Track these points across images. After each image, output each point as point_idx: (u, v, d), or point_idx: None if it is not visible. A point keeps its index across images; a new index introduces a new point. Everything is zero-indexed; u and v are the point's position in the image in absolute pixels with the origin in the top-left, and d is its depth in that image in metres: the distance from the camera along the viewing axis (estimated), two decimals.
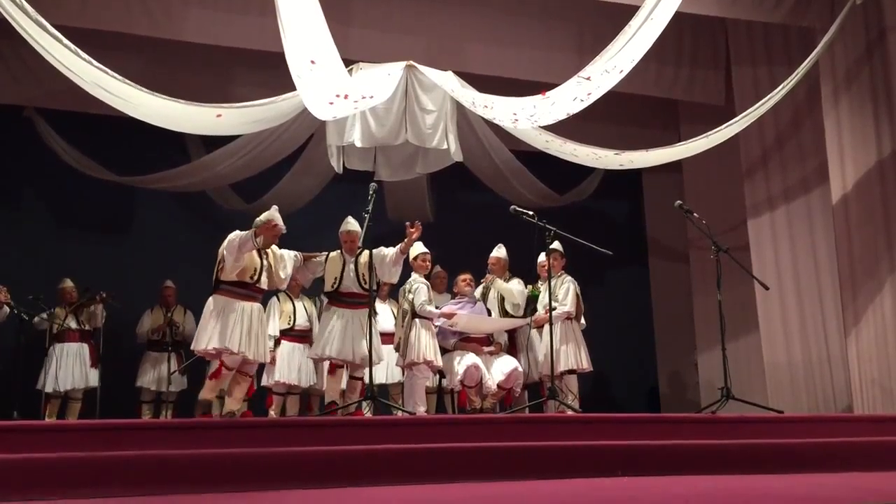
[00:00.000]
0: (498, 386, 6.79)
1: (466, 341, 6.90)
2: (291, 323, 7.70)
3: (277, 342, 7.59)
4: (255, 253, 6.01)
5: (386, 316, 7.85)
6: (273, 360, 7.46)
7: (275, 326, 7.55)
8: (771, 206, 8.41)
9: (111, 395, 8.16)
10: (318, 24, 6.06)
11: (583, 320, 7.26)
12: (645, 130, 9.32)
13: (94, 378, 8.12)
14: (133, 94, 6.08)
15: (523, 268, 7.52)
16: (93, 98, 6.21)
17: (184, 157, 8.85)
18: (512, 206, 6.64)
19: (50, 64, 5.87)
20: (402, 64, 7.16)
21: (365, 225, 6.08)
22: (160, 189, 8.82)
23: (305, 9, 6.00)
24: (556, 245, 7.05)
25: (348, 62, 6.73)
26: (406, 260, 6.71)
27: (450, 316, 6.78)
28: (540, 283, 7.37)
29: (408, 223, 6.53)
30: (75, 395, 8.13)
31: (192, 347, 6.14)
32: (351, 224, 6.66)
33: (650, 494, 4.01)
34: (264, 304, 6.57)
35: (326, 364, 6.83)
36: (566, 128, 7.26)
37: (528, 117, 6.89)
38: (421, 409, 6.66)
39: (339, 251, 6.68)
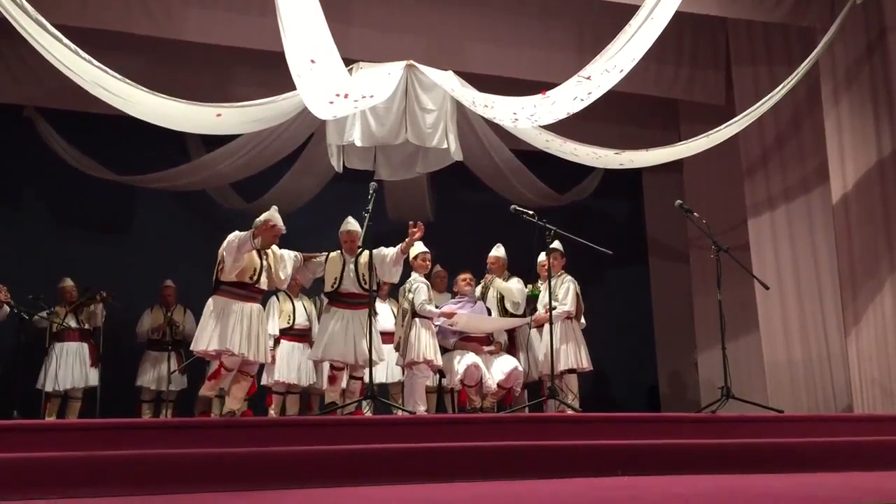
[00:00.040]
0: (498, 385, 6.79)
1: (466, 341, 6.90)
2: (291, 322, 7.70)
3: (277, 341, 7.59)
4: (254, 253, 6.00)
5: (386, 315, 7.85)
6: (273, 360, 7.46)
7: (274, 326, 7.54)
8: (771, 205, 8.41)
9: (111, 394, 8.16)
10: (318, 23, 6.06)
11: (583, 320, 7.26)
12: (645, 130, 9.32)
13: (93, 377, 8.12)
14: (133, 94, 6.07)
15: (523, 267, 7.52)
16: (93, 97, 6.20)
17: (184, 156, 8.85)
18: (512, 206, 6.64)
19: (50, 63, 5.87)
20: (403, 63, 7.16)
21: (365, 224, 6.08)
22: (160, 188, 8.82)
23: (305, 8, 6.00)
24: (556, 244, 7.06)
25: (348, 61, 6.73)
26: (406, 259, 6.71)
27: (450, 315, 6.78)
28: (540, 282, 7.37)
29: (411, 223, 6.53)
30: (75, 395, 8.13)
31: (191, 348, 6.13)
32: (351, 224, 6.66)
33: (650, 494, 4.01)
34: (264, 303, 6.57)
35: (326, 365, 6.84)
36: (566, 127, 7.26)
37: (528, 117, 6.89)
38: (421, 409, 6.66)
39: (339, 251, 6.68)
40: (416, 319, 6.70)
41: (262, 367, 7.04)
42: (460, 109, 7.61)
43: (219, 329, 5.82)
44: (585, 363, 7.05)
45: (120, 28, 7.24)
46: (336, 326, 6.46)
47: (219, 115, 6.61)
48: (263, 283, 6.08)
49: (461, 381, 6.72)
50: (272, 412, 7.51)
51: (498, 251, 7.46)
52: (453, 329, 6.83)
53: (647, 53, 6.81)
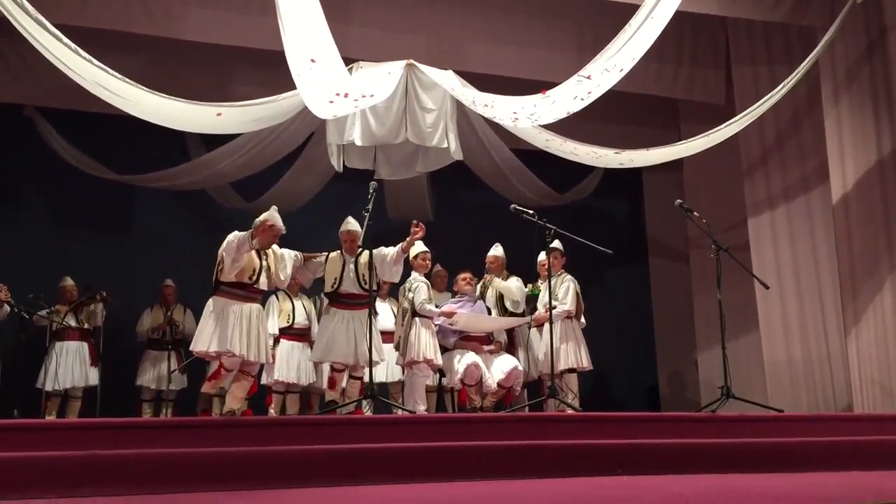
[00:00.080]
0: (498, 385, 6.79)
1: (466, 340, 6.91)
2: (290, 321, 7.70)
3: (276, 341, 7.59)
4: (253, 254, 6.00)
5: (386, 315, 7.85)
6: (273, 359, 7.46)
7: (274, 325, 7.54)
8: (771, 205, 8.41)
9: (111, 393, 8.16)
10: (319, 22, 6.06)
11: (583, 319, 7.26)
12: (645, 129, 9.31)
13: (93, 376, 8.12)
14: (133, 93, 6.08)
15: (523, 267, 7.53)
16: (93, 97, 6.20)
17: (184, 155, 8.85)
18: (512, 205, 6.64)
19: (50, 62, 5.87)
20: (403, 63, 7.16)
21: (365, 224, 6.08)
22: (160, 187, 8.82)
23: (305, 7, 6.00)
24: (556, 244, 7.06)
25: (348, 61, 6.72)
26: (406, 259, 6.71)
27: (450, 315, 6.78)
28: (540, 281, 7.37)
29: (414, 222, 6.53)
30: (75, 394, 8.13)
31: (191, 348, 6.14)
32: (351, 224, 6.66)
33: (650, 493, 4.02)
34: (263, 302, 6.57)
35: (326, 366, 6.85)
36: (566, 126, 7.25)
37: (528, 116, 6.89)
38: (421, 408, 6.66)
39: (339, 251, 6.68)
40: (416, 319, 6.70)
41: (261, 366, 7.04)
42: (460, 109, 7.61)
43: (218, 330, 5.82)
44: (585, 362, 7.05)
45: (120, 27, 7.24)
46: (336, 328, 6.47)
47: (219, 114, 6.61)
48: (263, 284, 6.08)
49: (461, 380, 6.73)
50: (272, 411, 7.51)
51: (496, 251, 7.47)
52: (453, 328, 6.83)
53: (647, 53, 6.81)
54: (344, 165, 7.84)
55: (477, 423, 5.38)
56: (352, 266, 6.58)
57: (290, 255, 6.39)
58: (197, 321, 6.23)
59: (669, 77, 8.75)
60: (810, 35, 7.97)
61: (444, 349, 6.86)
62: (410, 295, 6.76)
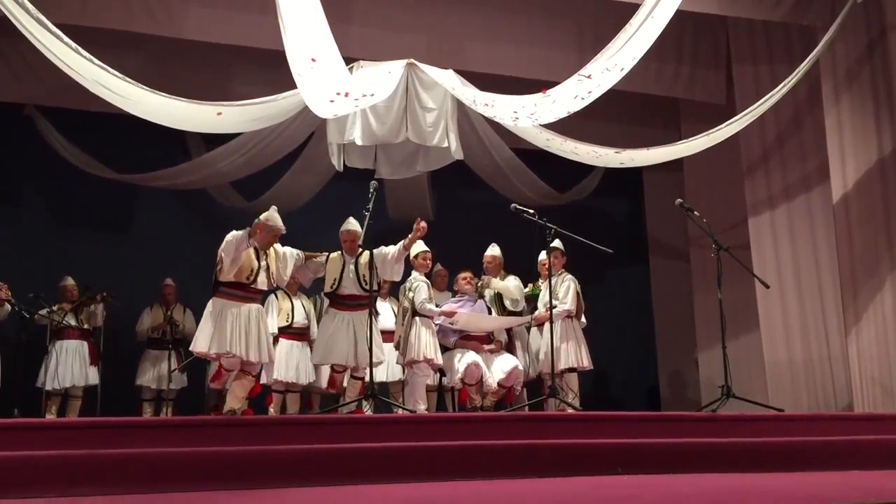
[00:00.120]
0: (498, 384, 6.79)
1: (467, 339, 6.91)
2: (290, 321, 7.69)
3: (275, 340, 7.58)
4: (252, 253, 5.99)
5: (386, 314, 7.85)
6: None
7: (273, 324, 7.54)
8: (771, 204, 8.40)
9: (112, 393, 8.16)
10: (319, 22, 6.05)
11: (583, 318, 7.26)
12: (645, 129, 9.30)
13: (93, 376, 8.13)
14: (133, 92, 6.07)
15: (524, 266, 7.53)
16: (93, 96, 6.20)
17: (184, 154, 8.85)
18: (513, 205, 6.64)
19: (50, 61, 5.87)
20: (403, 62, 7.16)
21: (365, 223, 6.08)
22: (161, 187, 8.82)
23: (306, 7, 5.99)
24: (556, 243, 7.06)
25: (349, 60, 6.72)
26: (406, 258, 6.71)
27: (450, 314, 6.78)
28: (540, 281, 7.37)
29: (417, 219, 6.52)
30: (75, 393, 8.13)
31: (190, 348, 6.14)
32: (351, 224, 6.66)
33: (650, 492, 4.02)
34: (263, 302, 6.57)
35: (327, 367, 6.85)
36: (567, 126, 7.25)
37: (528, 115, 6.89)
38: (421, 407, 6.66)
39: (339, 252, 6.68)
40: (417, 318, 6.70)
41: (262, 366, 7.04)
42: (461, 108, 7.60)
43: (216, 331, 5.82)
44: (586, 362, 7.05)
45: (120, 27, 7.24)
46: (336, 329, 6.47)
47: (219, 113, 6.60)
48: (261, 284, 6.07)
49: (461, 379, 6.72)
50: (272, 411, 7.51)
51: (493, 250, 7.48)
52: (454, 328, 6.83)
53: (647, 52, 6.80)
54: (344, 165, 7.83)
55: (477, 422, 5.39)
56: (352, 266, 6.58)
57: (291, 254, 6.39)
58: (197, 321, 6.23)
59: (670, 76, 8.75)
60: (811, 34, 7.97)
61: (445, 348, 6.86)
62: (411, 294, 6.76)
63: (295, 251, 6.45)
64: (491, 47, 8.14)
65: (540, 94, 6.82)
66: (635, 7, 6.79)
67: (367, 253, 6.40)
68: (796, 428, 5.74)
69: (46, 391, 7.97)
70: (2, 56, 7.63)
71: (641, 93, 8.63)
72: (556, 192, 9.38)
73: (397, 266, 6.58)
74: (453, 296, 7.37)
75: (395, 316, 7.44)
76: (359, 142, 7.29)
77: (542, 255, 7.12)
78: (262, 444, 4.58)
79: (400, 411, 6.56)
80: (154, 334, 8.56)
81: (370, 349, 6.17)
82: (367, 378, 6.18)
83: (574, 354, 6.98)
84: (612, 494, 4.00)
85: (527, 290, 7.55)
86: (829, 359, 7.96)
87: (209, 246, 6.24)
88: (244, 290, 5.97)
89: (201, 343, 5.87)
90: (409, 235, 6.49)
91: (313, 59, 6.04)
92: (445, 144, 7.35)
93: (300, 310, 7.77)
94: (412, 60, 7.19)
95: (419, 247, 6.87)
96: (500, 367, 6.82)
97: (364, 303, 6.53)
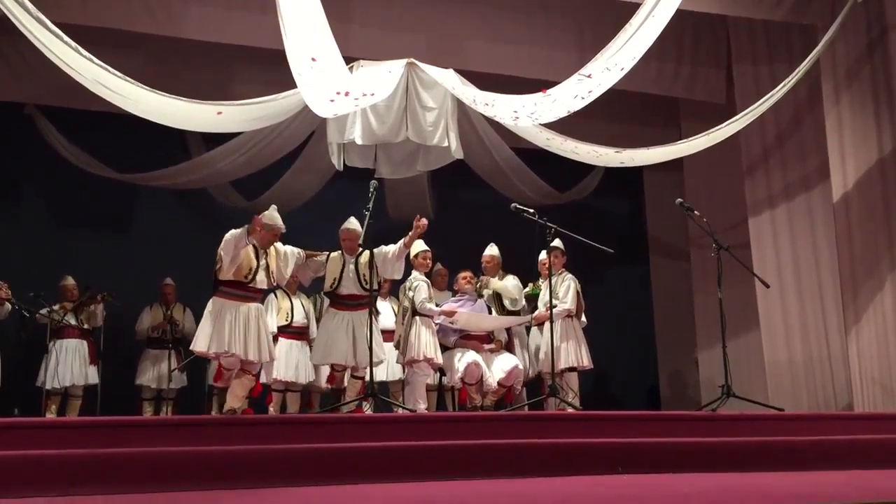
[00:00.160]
0: (498, 383, 6.79)
1: (467, 339, 6.91)
2: (289, 320, 7.68)
3: (275, 339, 7.57)
4: (251, 252, 5.98)
5: (387, 313, 7.85)
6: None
7: (272, 323, 7.54)
8: (772, 204, 8.40)
9: (112, 392, 8.17)
10: (319, 21, 6.05)
11: (583, 318, 7.26)
12: (646, 128, 9.30)
13: (92, 375, 8.13)
14: (134, 92, 6.07)
15: (524, 266, 7.53)
16: (93, 95, 6.20)
17: (184, 154, 8.84)
18: (513, 204, 6.64)
19: (50, 61, 5.86)
20: (403, 61, 7.15)
21: (366, 223, 6.08)
22: (161, 186, 8.82)
23: (306, 6, 5.99)
24: (556, 243, 7.06)
25: (349, 60, 6.72)
26: (406, 258, 6.71)
27: (450, 314, 6.78)
28: (541, 280, 7.37)
29: (417, 216, 6.52)
30: (75, 392, 8.13)
31: (190, 347, 6.14)
32: (351, 223, 6.65)
33: (650, 492, 4.02)
34: (263, 300, 6.57)
35: (326, 367, 6.85)
36: (567, 125, 7.25)
37: (528, 115, 6.88)
38: (421, 407, 6.66)
39: (339, 251, 6.68)
40: (417, 318, 6.70)
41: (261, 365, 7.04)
42: (461, 107, 7.60)
43: (215, 331, 5.81)
44: (586, 361, 7.05)
45: (121, 26, 7.23)
46: (336, 329, 6.47)
47: (219, 112, 6.60)
48: (260, 283, 6.05)
49: (462, 379, 6.72)
50: (272, 410, 7.51)
51: (492, 250, 7.49)
52: (454, 327, 6.83)
53: (647, 52, 6.80)
54: (344, 164, 7.83)
55: (477, 421, 5.39)
56: (352, 266, 6.57)
57: (292, 253, 6.38)
58: (197, 320, 6.23)
59: (670, 76, 8.75)
60: (811, 34, 7.97)
61: (445, 348, 6.86)
62: (411, 294, 6.76)
63: (296, 250, 6.45)
64: (491, 47, 8.14)
65: (540, 94, 6.82)
66: (636, 6, 6.78)
67: (367, 252, 6.40)
68: (796, 427, 5.74)
69: (46, 390, 7.97)
70: (2, 55, 7.62)
71: (641, 92, 8.62)
72: (557, 191, 9.38)
73: (398, 264, 6.58)
74: (453, 295, 7.37)
75: (396, 315, 7.44)
76: (359, 141, 7.29)
77: (543, 255, 7.12)
78: (262, 444, 4.58)
79: (400, 411, 6.56)
80: (154, 334, 8.56)
81: (370, 348, 6.17)
82: (368, 377, 6.18)
83: (574, 354, 6.99)
84: (612, 494, 4.00)
85: (527, 289, 7.55)
86: (829, 358, 7.96)
87: (209, 245, 6.23)
88: (243, 289, 5.96)
89: (201, 342, 5.87)
90: (410, 233, 6.49)
91: (313, 59, 6.04)
92: (445, 144, 7.35)
93: (299, 309, 7.77)
94: (412, 60, 7.19)
95: (419, 246, 6.87)
96: (500, 367, 6.82)
97: (364, 302, 6.53)
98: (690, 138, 7.75)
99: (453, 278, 7.51)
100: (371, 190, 6.31)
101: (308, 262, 6.63)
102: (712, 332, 7.92)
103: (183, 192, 9.12)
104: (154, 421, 6.58)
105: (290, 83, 6.22)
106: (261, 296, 6.22)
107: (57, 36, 5.54)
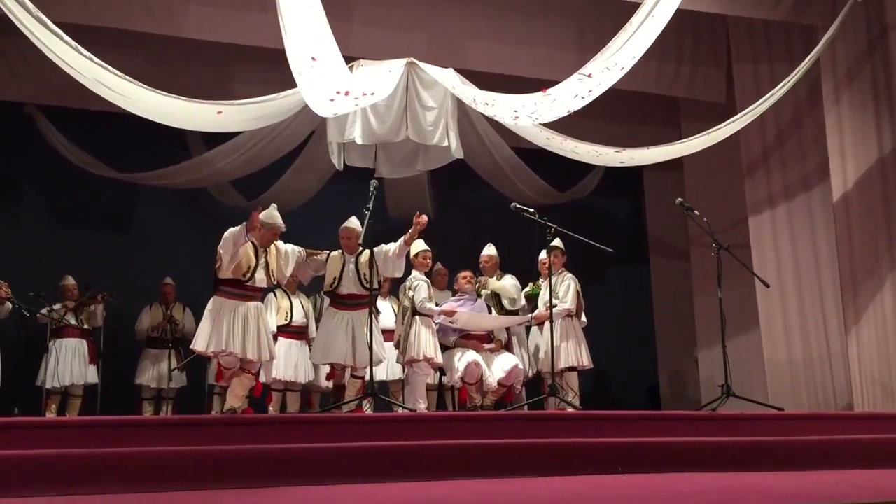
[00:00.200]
0: (498, 383, 6.79)
1: (467, 338, 6.91)
2: (288, 319, 7.68)
3: (274, 338, 7.56)
4: (250, 250, 5.97)
5: (387, 313, 7.84)
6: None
7: (272, 323, 7.53)
8: (772, 203, 8.40)
9: (112, 392, 8.17)
10: (319, 20, 6.04)
11: (583, 317, 7.26)
12: (646, 128, 9.31)
13: (92, 374, 8.13)
14: (134, 91, 6.07)
15: (524, 265, 7.52)
16: (93, 95, 6.20)
17: (184, 153, 8.84)
18: (513, 204, 6.64)
19: (51, 60, 5.86)
20: (403, 61, 7.15)
21: (366, 222, 6.08)
22: (161, 186, 8.82)
23: (306, 5, 5.99)
24: (556, 242, 7.06)
25: (349, 59, 6.72)
26: (406, 257, 6.71)
27: (450, 313, 6.78)
28: (541, 280, 7.37)
29: (417, 213, 6.52)
30: (75, 392, 8.13)
31: (191, 346, 6.14)
32: (351, 222, 6.65)
33: (650, 491, 4.02)
34: (263, 299, 6.56)
35: (326, 366, 6.85)
36: (567, 125, 7.25)
37: (528, 114, 6.88)
38: (421, 406, 6.66)
39: (340, 251, 6.67)
40: (417, 317, 6.70)
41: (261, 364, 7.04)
42: (461, 107, 7.60)
43: (214, 330, 5.81)
44: (586, 361, 7.05)
45: (121, 25, 7.23)
46: (335, 329, 6.46)
47: (219, 112, 6.60)
48: (259, 281, 6.03)
49: (461, 378, 6.72)
50: (272, 410, 7.50)
51: (489, 250, 7.49)
52: (454, 327, 6.83)
53: (648, 51, 6.80)
54: (344, 164, 7.83)
55: (477, 421, 5.39)
56: (352, 265, 6.57)
57: (293, 251, 6.38)
58: (196, 320, 6.22)
59: (670, 75, 8.75)
60: (811, 33, 7.97)
61: (445, 347, 6.87)
62: (411, 293, 6.76)
63: (297, 248, 6.44)
64: (491, 46, 8.14)
65: (540, 93, 6.81)
66: (635, 6, 6.78)
67: (367, 252, 6.39)
68: (796, 427, 5.74)
69: (46, 390, 7.98)
70: (2, 55, 7.62)
71: (642, 92, 8.62)
72: (557, 191, 9.39)
73: (399, 262, 6.57)
74: (453, 295, 7.37)
75: (396, 315, 7.44)
76: (359, 141, 7.29)
77: (543, 255, 7.12)
78: (262, 443, 4.58)
79: (400, 410, 6.56)
80: (154, 333, 8.56)
81: (370, 347, 6.17)
82: (367, 377, 6.18)
83: (574, 353, 6.99)
84: (612, 494, 4.00)
85: (527, 289, 7.55)
86: (829, 358, 7.96)
87: (209, 245, 6.22)
88: (242, 288, 5.94)
89: (200, 341, 5.87)
90: (410, 230, 6.48)
91: (313, 58, 6.03)
92: (445, 143, 7.35)
93: (299, 308, 7.77)
94: (412, 59, 7.19)
95: (419, 246, 6.87)
96: (500, 366, 6.82)
97: (364, 302, 6.52)
98: (690, 138, 7.75)
99: (453, 278, 7.50)
100: (371, 189, 6.31)
101: (308, 260, 6.62)
102: (712, 331, 7.92)
103: (183, 191, 9.11)
104: (154, 421, 6.58)
105: (290, 82, 6.22)
106: (260, 294, 6.21)
107: (57, 35, 5.54)
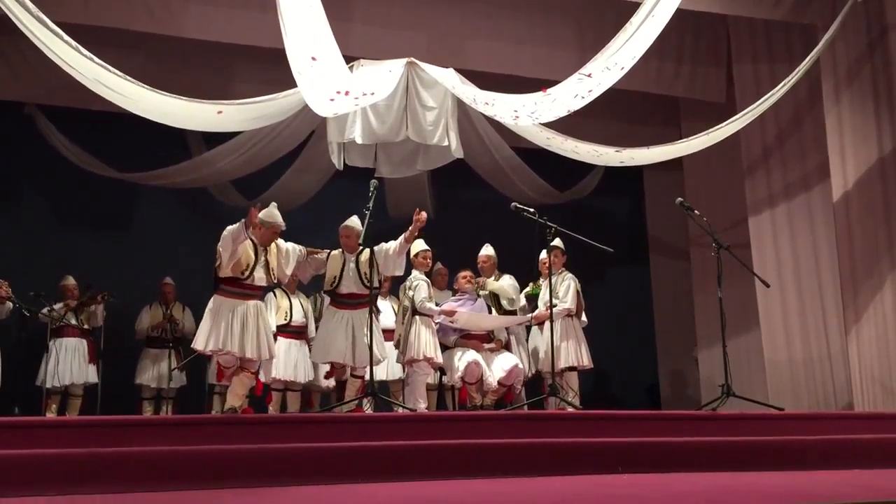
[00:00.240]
0: (498, 383, 6.79)
1: (467, 338, 6.91)
2: (288, 319, 7.67)
3: (273, 338, 7.56)
4: (249, 249, 5.96)
5: (387, 312, 7.84)
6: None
7: (272, 322, 7.52)
8: (772, 203, 8.40)
9: (112, 391, 8.17)
10: (319, 20, 6.04)
11: (584, 317, 7.26)
12: (646, 127, 9.31)
13: (91, 374, 8.14)
14: (134, 91, 6.07)
15: (524, 265, 7.52)
16: (94, 94, 6.20)
17: (185, 153, 8.85)
18: (513, 204, 6.63)
19: (51, 60, 5.87)
20: (403, 61, 7.15)
21: (366, 222, 6.07)
22: (161, 185, 8.82)
23: (306, 5, 5.98)
24: (556, 242, 7.05)
25: (349, 59, 6.72)
26: (406, 256, 6.71)
27: (450, 313, 6.78)
28: (541, 280, 7.37)
29: (416, 210, 6.51)
30: (75, 392, 8.14)
31: (192, 346, 6.14)
32: (351, 221, 6.64)
33: (651, 492, 4.02)
34: (263, 298, 6.56)
35: (326, 365, 6.85)
36: (567, 125, 7.25)
37: (529, 114, 6.88)
38: (421, 406, 6.66)
39: (340, 250, 6.67)
40: (417, 317, 6.70)
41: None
42: (461, 107, 7.60)
43: (213, 328, 5.81)
44: (586, 361, 7.06)
45: (121, 25, 7.24)
46: (335, 328, 6.45)
47: (219, 112, 6.60)
48: (259, 280, 6.01)
49: (462, 378, 6.72)
50: (272, 409, 7.50)
51: (487, 250, 7.50)
52: (454, 326, 6.83)
53: (648, 51, 6.80)
54: (344, 163, 7.83)
55: (477, 421, 5.39)
56: (352, 264, 6.56)
57: (293, 250, 6.37)
58: (196, 319, 6.22)
59: (670, 75, 8.75)
60: (811, 33, 7.97)
61: (445, 347, 6.87)
62: (411, 293, 6.76)
63: (297, 247, 6.43)
64: (491, 46, 8.14)
65: (540, 93, 6.81)
66: (636, 6, 6.78)
67: (367, 251, 6.39)
68: (796, 427, 5.74)
69: (46, 389, 7.98)
70: (2, 55, 7.63)
71: (642, 91, 8.62)
72: (557, 190, 9.39)
73: (399, 260, 6.56)
74: (453, 294, 7.37)
75: (396, 314, 7.44)
76: (359, 140, 7.29)
77: (543, 254, 7.12)
78: (262, 443, 4.58)
79: (400, 410, 6.56)
80: (153, 333, 8.57)
81: (370, 347, 6.17)
82: (367, 376, 6.18)
83: (574, 353, 6.99)
84: (612, 494, 4.00)
85: (527, 289, 7.55)
86: (830, 358, 7.96)
87: (209, 245, 6.21)
88: (241, 287, 5.92)
89: (199, 340, 5.87)
90: (410, 227, 6.48)
91: (313, 58, 6.03)
92: (445, 143, 7.35)
93: (298, 308, 7.77)
94: (412, 59, 7.19)
95: (419, 245, 6.87)
96: (500, 366, 6.82)
97: (364, 301, 6.51)
98: (690, 138, 7.75)
99: (453, 278, 7.50)
100: (371, 189, 6.30)
101: (309, 259, 6.61)
102: (712, 331, 7.92)
103: (183, 191, 9.12)
104: (154, 420, 6.58)
105: (290, 82, 6.22)
106: (260, 293, 6.19)
107: (57, 35, 5.54)
